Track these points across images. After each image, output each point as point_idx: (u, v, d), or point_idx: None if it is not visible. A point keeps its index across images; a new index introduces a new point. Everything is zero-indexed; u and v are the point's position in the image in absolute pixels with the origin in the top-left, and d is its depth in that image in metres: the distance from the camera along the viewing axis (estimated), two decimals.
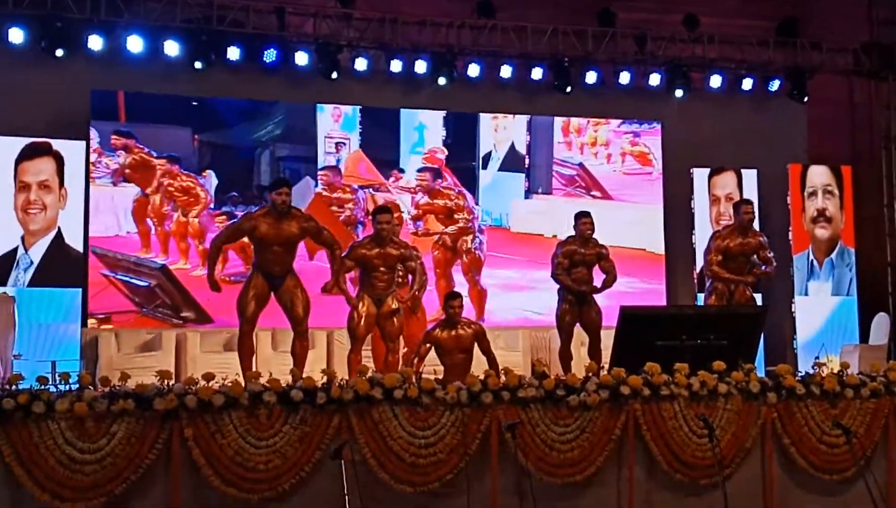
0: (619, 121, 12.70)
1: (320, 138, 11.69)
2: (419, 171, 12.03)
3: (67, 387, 6.04)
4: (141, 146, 11.10)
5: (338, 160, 11.65)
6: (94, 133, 10.87)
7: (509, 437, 6.35)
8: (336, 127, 11.75)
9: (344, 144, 11.67)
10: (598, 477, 6.64)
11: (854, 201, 12.94)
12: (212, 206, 11.27)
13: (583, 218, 9.02)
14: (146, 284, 10.96)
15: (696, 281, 12.42)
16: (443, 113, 12.19)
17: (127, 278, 10.91)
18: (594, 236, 9.02)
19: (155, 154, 11.14)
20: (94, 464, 5.79)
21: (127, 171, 11.05)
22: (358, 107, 11.82)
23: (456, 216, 12.04)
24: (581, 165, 12.60)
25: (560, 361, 8.93)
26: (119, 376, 6.14)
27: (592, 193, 12.58)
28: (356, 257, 8.27)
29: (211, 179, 11.22)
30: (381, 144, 11.93)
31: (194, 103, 11.33)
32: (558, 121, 12.50)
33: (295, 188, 9.13)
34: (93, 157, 10.87)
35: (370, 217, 8.67)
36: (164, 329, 10.79)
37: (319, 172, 11.60)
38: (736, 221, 9.28)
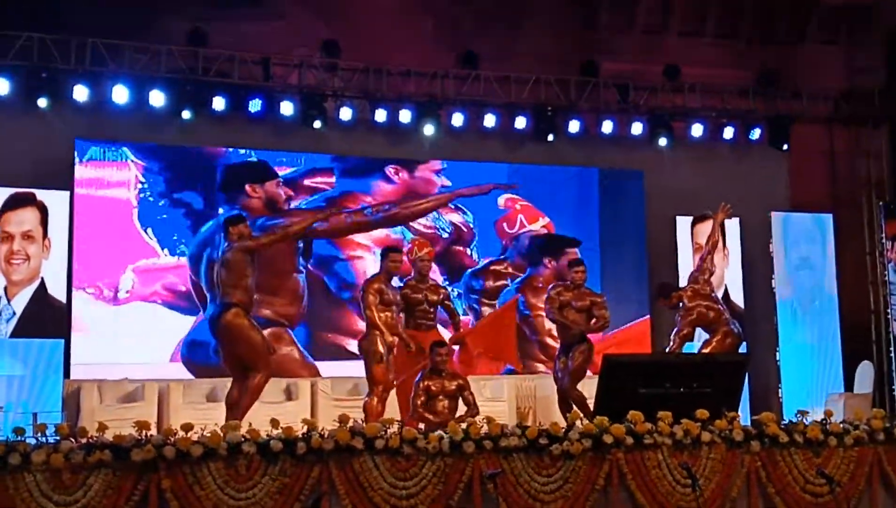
0: None
1: None
2: None
3: (45, 439, 5.98)
4: None
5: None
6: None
7: (491, 487, 6.29)
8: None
9: None
10: None
11: (837, 249, 12.97)
12: None
13: (576, 266, 9.12)
14: None
15: None
16: None
17: None
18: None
19: None
20: None
21: None
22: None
23: None
24: None
25: (576, 404, 8.79)
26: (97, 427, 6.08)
27: None
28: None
29: None
30: None
31: None
32: None
33: None
34: None
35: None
36: (147, 381, 10.71)
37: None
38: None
